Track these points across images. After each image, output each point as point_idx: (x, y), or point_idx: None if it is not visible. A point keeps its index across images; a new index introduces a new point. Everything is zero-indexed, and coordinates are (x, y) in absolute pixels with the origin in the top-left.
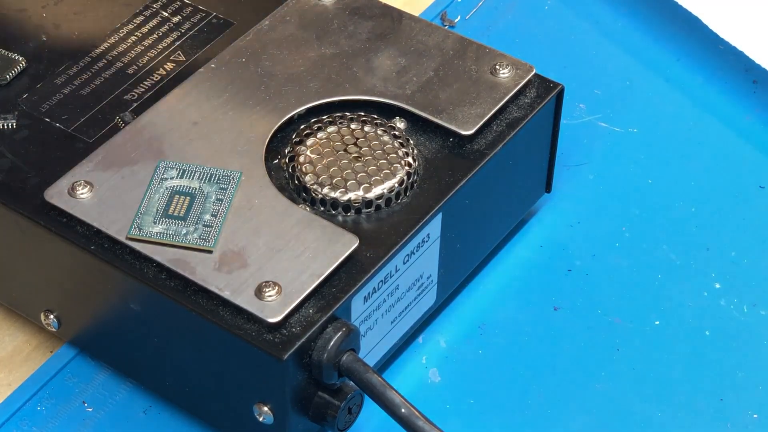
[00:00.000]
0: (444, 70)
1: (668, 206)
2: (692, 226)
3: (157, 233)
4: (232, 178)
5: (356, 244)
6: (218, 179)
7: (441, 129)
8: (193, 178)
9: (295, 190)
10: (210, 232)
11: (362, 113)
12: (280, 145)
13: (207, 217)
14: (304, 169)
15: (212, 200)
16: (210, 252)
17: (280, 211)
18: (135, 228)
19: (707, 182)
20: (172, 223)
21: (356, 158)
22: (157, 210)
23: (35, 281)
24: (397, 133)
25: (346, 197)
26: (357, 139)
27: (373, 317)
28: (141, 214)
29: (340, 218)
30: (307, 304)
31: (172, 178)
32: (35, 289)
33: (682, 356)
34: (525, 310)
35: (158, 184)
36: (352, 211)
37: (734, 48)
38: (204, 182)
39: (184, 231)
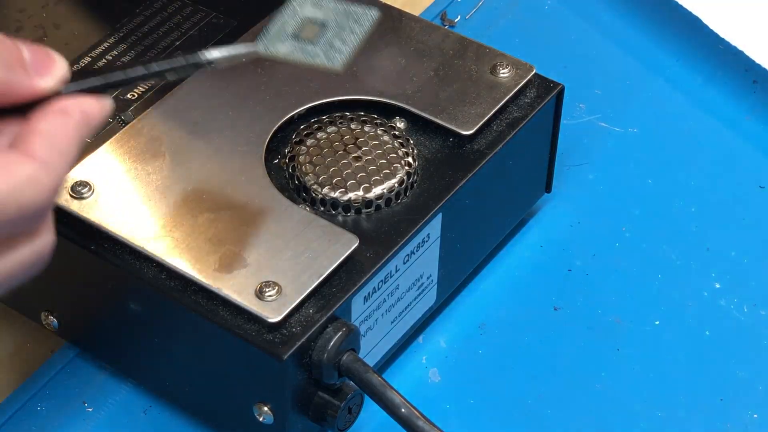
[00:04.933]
0: (444, 70)
1: (668, 206)
2: (692, 226)
3: (284, 52)
4: (369, 14)
5: (356, 244)
6: (355, 14)
7: (441, 129)
8: (328, 11)
9: (295, 190)
10: (337, 55)
11: (362, 113)
12: (280, 145)
13: (337, 43)
14: (304, 169)
15: (346, 31)
16: (337, 74)
17: (280, 211)
18: (263, 46)
19: (707, 182)
20: (300, 44)
21: (356, 158)
22: (287, 33)
23: (35, 281)
24: (397, 133)
25: (346, 197)
26: (357, 139)
27: (373, 317)
28: (270, 34)
29: (340, 218)
30: (307, 304)
31: (306, 8)
32: (35, 289)
33: (682, 356)
34: (525, 310)
35: (291, 12)
36: (352, 211)
37: (734, 48)
38: (339, 15)
39: (311, 51)
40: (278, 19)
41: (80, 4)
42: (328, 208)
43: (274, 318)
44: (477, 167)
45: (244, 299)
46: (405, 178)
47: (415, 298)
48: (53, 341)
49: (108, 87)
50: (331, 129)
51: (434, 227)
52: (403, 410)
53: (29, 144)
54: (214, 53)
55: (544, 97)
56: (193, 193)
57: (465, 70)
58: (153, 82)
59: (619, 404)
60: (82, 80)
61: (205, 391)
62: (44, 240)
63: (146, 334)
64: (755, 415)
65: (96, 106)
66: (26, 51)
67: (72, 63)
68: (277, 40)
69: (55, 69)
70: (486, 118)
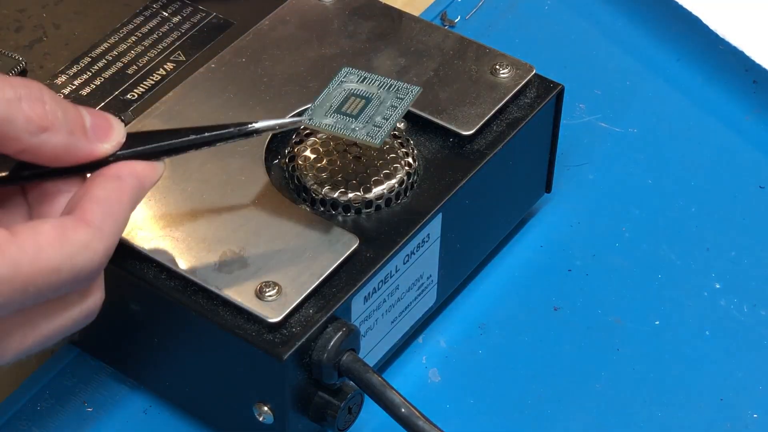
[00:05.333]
0: (444, 70)
1: (668, 206)
2: (692, 226)
3: (327, 124)
4: (411, 91)
5: (356, 244)
6: (397, 90)
7: (441, 129)
8: (372, 85)
9: (295, 190)
10: (378, 131)
11: None
12: (280, 145)
13: (378, 119)
14: (304, 169)
15: (386, 106)
16: (376, 149)
17: (280, 211)
18: (307, 118)
19: (707, 182)
20: (342, 118)
21: (356, 158)
22: (331, 106)
23: None
24: (397, 133)
25: (346, 197)
26: None
27: (373, 317)
28: (315, 106)
29: (340, 218)
30: (307, 304)
31: (351, 82)
32: None
33: (682, 356)
34: (525, 310)
35: (337, 85)
36: (352, 211)
37: (734, 48)
38: (382, 90)
39: (353, 126)
40: (324, 91)
41: (80, 4)
42: (328, 208)
43: (274, 318)
44: (477, 167)
45: (244, 299)
46: (405, 178)
47: (415, 298)
48: None
49: (160, 152)
50: None
51: (434, 227)
52: (403, 410)
53: (85, 210)
54: (262, 124)
55: (544, 97)
56: (193, 193)
57: (465, 70)
58: (152, 83)
59: (619, 404)
60: (136, 145)
61: (205, 391)
62: (95, 298)
63: (146, 334)
64: (755, 415)
65: (148, 171)
66: (88, 117)
67: (72, 63)
68: (321, 113)
69: (113, 135)
70: (486, 119)
